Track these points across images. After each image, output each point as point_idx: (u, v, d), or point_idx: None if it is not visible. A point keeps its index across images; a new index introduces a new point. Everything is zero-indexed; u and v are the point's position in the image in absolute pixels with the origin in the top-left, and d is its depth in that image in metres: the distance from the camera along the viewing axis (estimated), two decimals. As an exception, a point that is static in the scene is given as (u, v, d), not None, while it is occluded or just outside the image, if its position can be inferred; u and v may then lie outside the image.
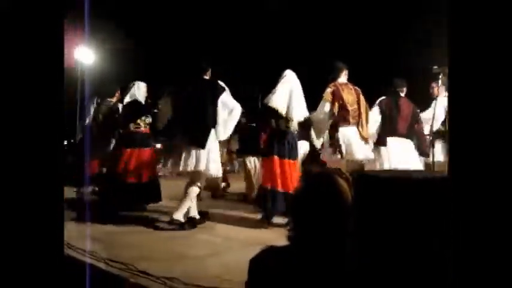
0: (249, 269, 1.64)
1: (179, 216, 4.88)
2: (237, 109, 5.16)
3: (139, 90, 6.08)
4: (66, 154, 14.95)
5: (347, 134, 5.36)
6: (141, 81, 6.20)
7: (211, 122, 5.01)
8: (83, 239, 3.91)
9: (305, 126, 5.50)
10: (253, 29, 18.95)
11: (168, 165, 5.43)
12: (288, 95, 5.19)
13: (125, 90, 6.36)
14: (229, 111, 5.08)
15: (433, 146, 4.88)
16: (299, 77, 5.42)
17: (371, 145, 5.59)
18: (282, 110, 5.14)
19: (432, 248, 2.10)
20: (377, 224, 2.09)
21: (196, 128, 4.99)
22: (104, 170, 6.76)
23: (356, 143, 5.36)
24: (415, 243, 2.10)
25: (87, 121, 7.42)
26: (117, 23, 18.02)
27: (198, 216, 5.15)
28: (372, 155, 5.52)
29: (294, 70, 5.45)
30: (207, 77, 5.30)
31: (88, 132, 7.30)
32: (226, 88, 5.15)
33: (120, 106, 6.77)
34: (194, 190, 5.12)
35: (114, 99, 7.00)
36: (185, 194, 5.05)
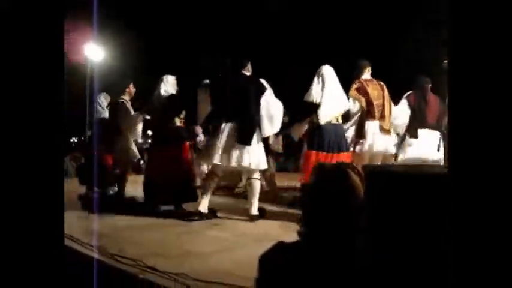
0: (259, 265, 1.62)
1: (254, 210, 5.09)
2: (280, 106, 5.21)
3: (168, 84, 5.92)
4: (74, 151, 15.12)
5: (371, 128, 5.58)
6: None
7: (256, 119, 5.04)
8: (91, 234, 3.90)
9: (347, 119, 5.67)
10: (256, 29, 19.04)
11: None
12: (323, 88, 5.26)
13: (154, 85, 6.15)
14: (273, 108, 5.12)
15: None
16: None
17: (394, 137, 5.79)
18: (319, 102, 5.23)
19: (442, 243, 2.08)
20: (389, 220, 2.06)
21: (241, 125, 5.01)
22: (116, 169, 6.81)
23: (378, 136, 5.56)
24: (426, 239, 2.07)
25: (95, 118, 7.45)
26: (126, 20, 18.16)
27: (207, 211, 5.15)
28: (392, 148, 5.71)
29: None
30: (247, 73, 5.30)
31: (96, 130, 7.28)
32: (268, 86, 5.19)
33: (124, 101, 6.69)
34: (258, 183, 5.25)
35: (125, 96, 6.85)
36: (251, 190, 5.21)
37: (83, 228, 4.27)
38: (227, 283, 2.77)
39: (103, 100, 7.37)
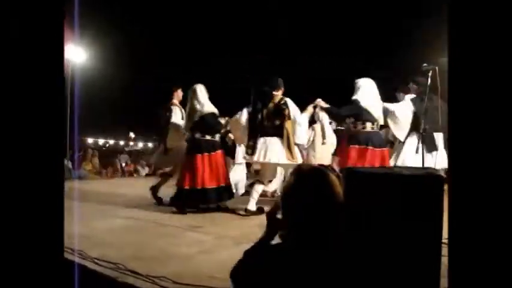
0: (243, 260, 1.62)
1: None
2: None
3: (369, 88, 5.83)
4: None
5: None
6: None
7: None
8: (71, 237, 3.86)
9: None
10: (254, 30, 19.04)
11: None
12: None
13: None
14: None
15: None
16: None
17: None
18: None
19: (421, 241, 2.12)
20: (369, 218, 2.09)
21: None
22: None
23: None
24: (405, 236, 2.11)
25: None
26: (109, 20, 17.92)
27: None
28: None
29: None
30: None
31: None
32: None
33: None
34: None
35: (279, 93, 5.96)
36: None
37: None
38: (207, 286, 2.78)
39: (202, 92, 6.25)
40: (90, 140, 29.22)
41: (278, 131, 5.80)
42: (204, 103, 6.15)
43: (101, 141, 33.06)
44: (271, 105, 5.87)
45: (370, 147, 5.63)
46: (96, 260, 3.29)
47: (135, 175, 15.42)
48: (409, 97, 6.17)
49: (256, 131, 5.93)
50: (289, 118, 5.82)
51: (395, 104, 6.11)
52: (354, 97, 5.86)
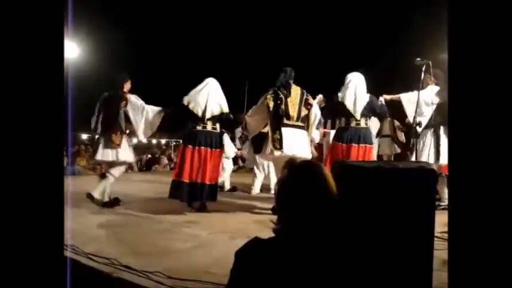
0: (238, 259, 1.61)
1: None
2: None
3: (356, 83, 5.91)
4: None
5: None
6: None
7: None
8: (65, 233, 3.85)
9: None
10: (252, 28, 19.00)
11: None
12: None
13: None
14: None
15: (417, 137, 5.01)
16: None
17: None
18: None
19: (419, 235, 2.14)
20: (365, 214, 2.10)
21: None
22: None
23: None
24: (401, 230, 2.12)
25: None
26: (104, 12, 17.76)
27: None
28: None
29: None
30: None
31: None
32: None
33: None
34: None
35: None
36: None
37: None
38: (202, 280, 2.78)
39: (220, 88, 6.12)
40: (84, 136, 28.97)
41: (303, 122, 5.64)
42: (223, 98, 5.91)
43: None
44: (293, 95, 5.60)
45: (354, 144, 5.73)
46: (90, 256, 3.29)
47: (129, 171, 15.36)
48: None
49: (280, 123, 5.53)
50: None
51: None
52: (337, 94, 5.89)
